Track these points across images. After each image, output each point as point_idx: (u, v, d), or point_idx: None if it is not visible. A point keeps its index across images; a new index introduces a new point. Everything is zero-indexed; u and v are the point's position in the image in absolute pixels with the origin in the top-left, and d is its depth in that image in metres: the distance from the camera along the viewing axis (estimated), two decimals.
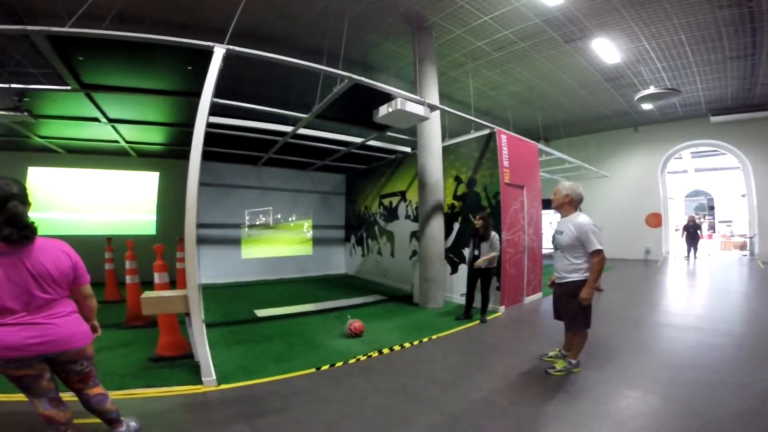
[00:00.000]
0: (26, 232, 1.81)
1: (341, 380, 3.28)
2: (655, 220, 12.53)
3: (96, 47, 3.51)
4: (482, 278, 5.23)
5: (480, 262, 5.09)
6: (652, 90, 8.13)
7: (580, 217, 3.19)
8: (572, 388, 3.00)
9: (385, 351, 4.02)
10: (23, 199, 1.87)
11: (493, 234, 5.16)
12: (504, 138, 6.06)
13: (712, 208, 21.25)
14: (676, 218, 18.87)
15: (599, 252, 3.03)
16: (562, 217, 3.37)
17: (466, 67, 8.13)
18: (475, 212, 5.43)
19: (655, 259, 12.11)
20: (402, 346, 4.18)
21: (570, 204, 3.28)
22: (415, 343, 4.31)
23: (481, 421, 2.53)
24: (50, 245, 1.96)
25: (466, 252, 5.75)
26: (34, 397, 1.94)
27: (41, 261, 1.87)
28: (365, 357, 3.85)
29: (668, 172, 13.98)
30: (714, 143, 12.00)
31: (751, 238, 12.19)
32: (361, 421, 2.56)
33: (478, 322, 5.12)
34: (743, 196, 12.85)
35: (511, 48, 7.39)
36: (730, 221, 18.51)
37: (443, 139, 6.55)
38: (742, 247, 13.43)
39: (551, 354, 3.66)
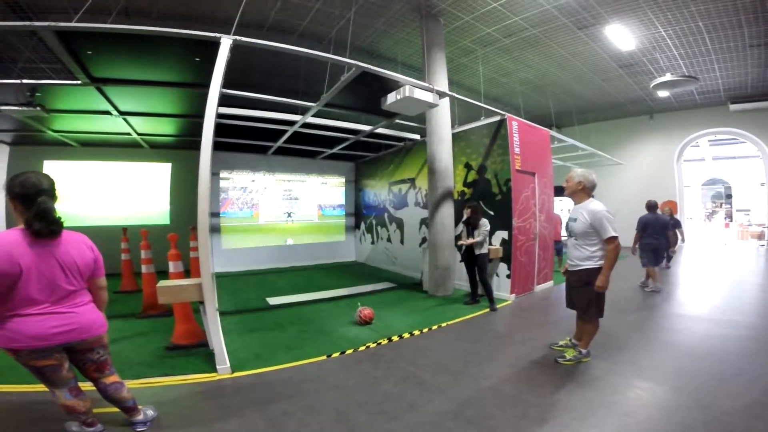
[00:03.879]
0: (55, 226, 1.88)
1: (351, 367, 3.34)
2: (669, 209, 12.28)
3: (104, 41, 3.52)
4: (476, 265, 5.29)
5: (463, 241, 5.26)
6: (668, 77, 7.91)
7: (593, 204, 3.16)
8: (581, 378, 3.01)
9: (395, 339, 4.07)
10: (52, 194, 1.94)
11: (483, 221, 5.25)
12: (515, 125, 5.98)
13: (729, 196, 20.74)
14: (693, 206, 18.55)
15: (614, 239, 2.99)
16: (575, 204, 3.33)
17: (475, 53, 7.99)
18: (465, 204, 5.54)
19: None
20: (411, 334, 4.22)
21: (583, 191, 3.25)
22: (425, 330, 4.35)
23: (489, 409, 2.56)
24: (75, 239, 2.04)
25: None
26: (55, 388, 2.00)
27: (70, 253, 1.95)
28: (375, 344, 3.90)
29: (685, 160, 13.64)
30: (733, 131, 11.65)
31: None
32: (370, 407, 2.61)
33: (487, 309, 5.14)
34: (762, 184, 12.50)
35: (521, 34, 7.23)
36: (748, 210, 18.05)
37: (453, 126, 6.49)
38: (760, 236, 13.09)
39: (561, 343, 3.66)
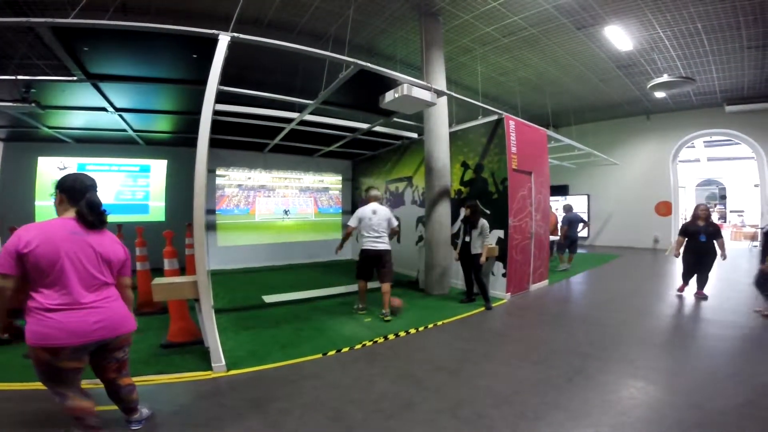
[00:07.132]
0: (104, 217, 2.04)
1: (348, 365, 3.34)
2: (664, 209, 12.36)
3: (100, 38, 3.50)
4: (472, 264, 5.32)
5: (483, 260, 5.22)
6: (665, 78, 7.91)
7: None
8: (576, 377, 3.03)
9: (391, 337, 4.08)
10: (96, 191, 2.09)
11: (483, 221, 5.27)
12: (512, 124, 5.98)
13: (723, 197, 20.91)
14: (687, 206, 18.64)
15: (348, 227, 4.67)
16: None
17: (474, 52, 7.99)
18: (465, 203, 5.54)
19: (663, 248, 11.98)
20: (407, 332, 4.22)
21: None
22: (421, 329, 4.36)
23: (484, 408, 2.57)
24: (110, 234, 2.12)
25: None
26: (66, 389, 1.90)
27: (105, 245, 2.01)
28: (371, 343, 3.90)
29: (680, 161, 13.72)
30: (728, 133, 11.72)
31: (762, 228, 11.99)
32: (366, 405, 2.61)
33: (483, 308, 5.16)
34: (756, 186, 12.60)
35: (520, 34, 7.24)
36: (742, 211, 18.20)
37: (450, 125, 6.49)
38: (753, 237, 13.20)
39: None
